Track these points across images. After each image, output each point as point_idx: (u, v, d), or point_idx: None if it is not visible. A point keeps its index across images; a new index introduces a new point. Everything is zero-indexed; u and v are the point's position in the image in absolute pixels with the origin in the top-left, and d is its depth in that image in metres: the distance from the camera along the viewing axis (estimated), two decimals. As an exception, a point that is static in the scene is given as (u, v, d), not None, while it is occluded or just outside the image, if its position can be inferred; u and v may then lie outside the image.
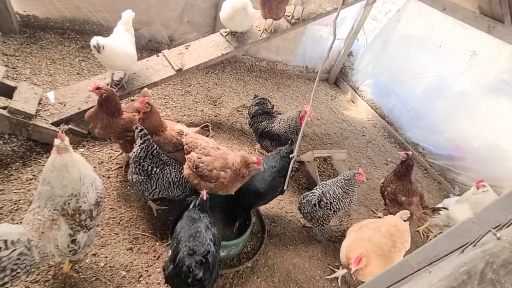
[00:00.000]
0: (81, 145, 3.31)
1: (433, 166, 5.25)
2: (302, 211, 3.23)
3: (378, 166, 5.01)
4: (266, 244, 3.12)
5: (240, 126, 4.55)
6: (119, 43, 3.16)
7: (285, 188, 2.97)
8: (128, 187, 3.12)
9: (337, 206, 3.07)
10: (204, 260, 1.96)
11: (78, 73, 4.04)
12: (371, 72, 6.29)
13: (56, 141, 1.94)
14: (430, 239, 3.75)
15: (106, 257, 2.55)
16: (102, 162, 3.24)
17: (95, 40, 2.87)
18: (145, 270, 2.57)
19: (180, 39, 5.16)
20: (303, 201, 3.21)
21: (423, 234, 3.94)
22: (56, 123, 3.10)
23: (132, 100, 4.03)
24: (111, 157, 3.33)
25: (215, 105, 4.72)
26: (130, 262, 2.58)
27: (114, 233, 2.74)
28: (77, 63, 4.17)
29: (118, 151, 3.37)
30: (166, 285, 2.30)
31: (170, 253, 2.24)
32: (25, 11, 4.22)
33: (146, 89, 3.08)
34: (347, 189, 3.11)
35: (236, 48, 4.12)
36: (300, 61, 6.38)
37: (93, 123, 2.82)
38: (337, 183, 3.16)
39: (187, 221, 2.27)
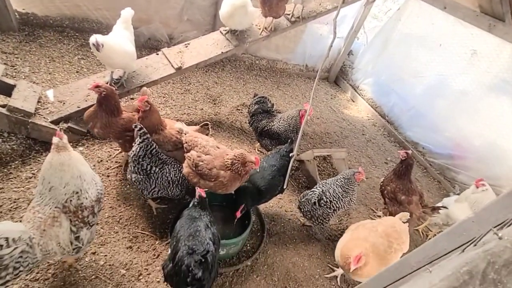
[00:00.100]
0: (80, 144, 3.31)
1: (433, 165, 5.25)
2: (302, 210, 3.23)
3: (378, 165, 5.00)
4: (265, 243, 3.12)
5: (240, 125, 4.54)
6: (119, 41, 3.15)
7: (284, 187, 2.96)
8: (128, 186, 3.12)
9: (337, 205, 3.08)
10: (203, 260, 1.96)
11: (77, 71, 4.03)
12: (371, 71, 6.27)
13: (55, 139, 1.94)
14: (430, 238, 3.77)
15: (105, 255, 2.55)
16: (101, 161, 3.23)
17: (94, 38, 2.86)
18: (145, 269, 2.58)
19: (179, 37, 5.14)
20: (302, 200, 3.21)
21: (423, 233, 3.94)
22: (55, 122, 3.09)
23: (132, 99, 4.02)
24: (110, 155, 3.33)
25: (214, 103, 4.71)
26: (130, 261, 2.59)
27: (114, 232, 2.74)
28: (76, 61, 4.16)
29: (118, 150, 3.36)
30: (165, 283, 2.29)
31: (169, 251, 2.24)
32: (24, 9, 4.20)
33: (145, 88, 3.07)
34: (347, 188, 3.11)
35: (236, 47, 4.11)
36: (300, 59, 6.35)
37: (93, 123, 2.81)
38: (337, 182, 3.16)
39: (187, 219, 2.26)
